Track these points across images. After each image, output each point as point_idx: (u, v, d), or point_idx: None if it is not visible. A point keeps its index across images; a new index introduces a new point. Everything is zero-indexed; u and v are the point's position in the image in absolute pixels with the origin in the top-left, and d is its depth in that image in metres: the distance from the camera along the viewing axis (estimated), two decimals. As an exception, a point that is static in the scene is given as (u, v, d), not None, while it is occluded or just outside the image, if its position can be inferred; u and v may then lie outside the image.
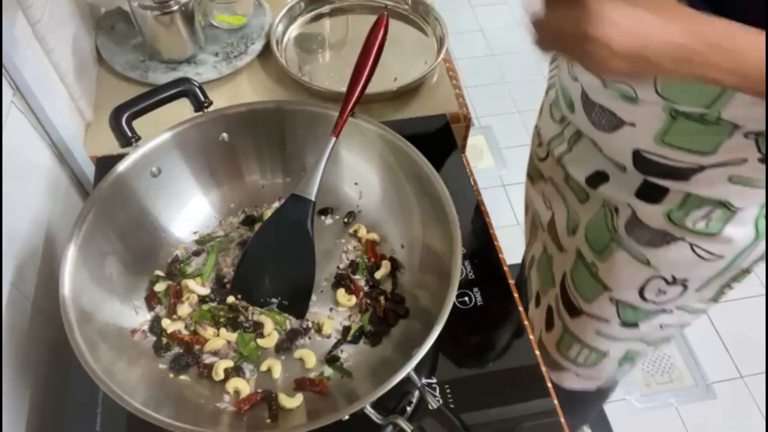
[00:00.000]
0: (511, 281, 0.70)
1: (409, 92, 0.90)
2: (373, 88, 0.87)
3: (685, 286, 0.70)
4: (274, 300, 0.63)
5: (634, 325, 0.77)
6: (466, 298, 0.67)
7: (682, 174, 0.60)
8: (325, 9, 1.02)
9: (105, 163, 0.74)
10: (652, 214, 0.65)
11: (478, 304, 0.67)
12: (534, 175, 0.86)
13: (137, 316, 0.62)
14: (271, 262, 0.63)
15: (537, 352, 0.65)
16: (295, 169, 0.72)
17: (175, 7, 0.84)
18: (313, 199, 0.62)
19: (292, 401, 0.57)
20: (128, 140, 0.62)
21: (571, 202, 0.76)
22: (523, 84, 2.29)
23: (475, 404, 0.60)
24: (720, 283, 0.70)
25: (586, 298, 0.78)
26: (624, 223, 0.68)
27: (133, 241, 0.64)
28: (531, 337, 0.66)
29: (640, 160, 0.62)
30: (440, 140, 0.82)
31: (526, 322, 0.67)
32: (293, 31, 0.99)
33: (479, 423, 0.58)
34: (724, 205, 0.61)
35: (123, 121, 0.62)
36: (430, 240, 0.63)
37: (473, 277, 0.69)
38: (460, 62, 2.33)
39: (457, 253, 0.56)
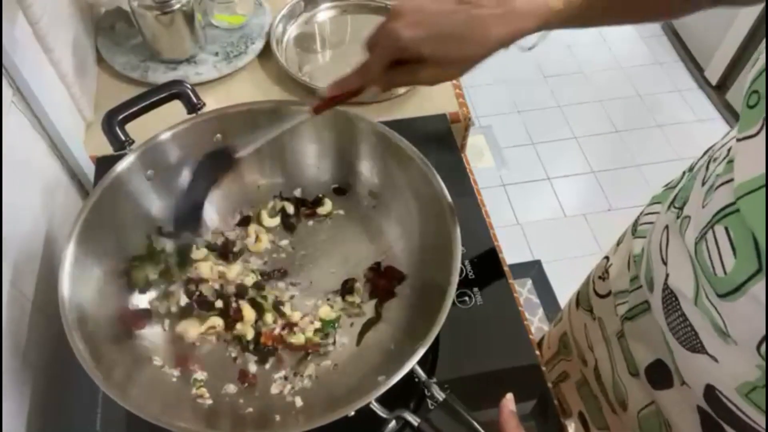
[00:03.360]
0: (511, 281, 0.70)
1: (409, 92, 0.90)
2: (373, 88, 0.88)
3: None
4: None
5: None
6: (466, 298, 0.67)
7: None
8: (325, 9, 1.02)
9: (105, 163, 0.74)
10: None
11: (478, 304, 0.67)
12: (583, 301, 0.74)
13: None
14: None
15: (537, 352, 0.65)
16: (294, 169, 0.72)
17: (175, 7, 0.84)
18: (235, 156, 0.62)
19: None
20: (121, 144, 0.62)
21: (619, 367, 0.65)
22: (523, 84, 2.30)
23: (475, 404, 0.60)
24: None
25: None
26: None
27: (132, 241, 0.64)
28: (531, 337, 0.66)
29: (713, 399, 0.49)
30: (440, 140, 0.82)
31: (525, 322, 0.67)
32: (293, 31, 0.99)
33: (479, 423, 0.58)
34: None
35: (116, 125, 0.62)
36: (429, 239, 0.63)
37: (473, 277, 0.69)
38: (460, 62, 2.32)
39: (456, 253, 0.56)
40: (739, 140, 0.42)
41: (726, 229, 0.43)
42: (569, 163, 2.07)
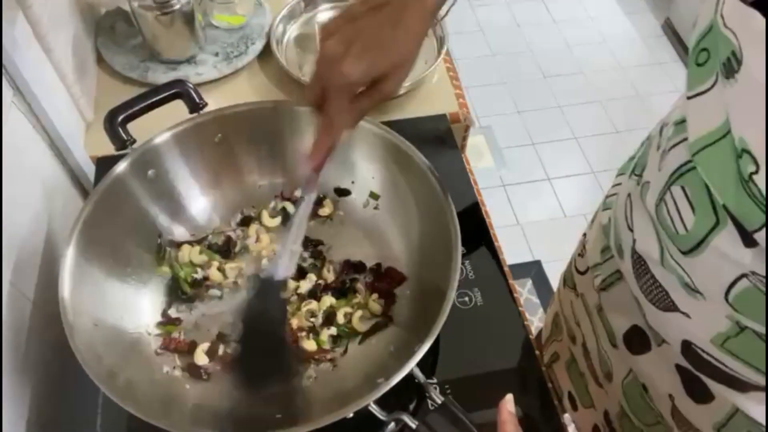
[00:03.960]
0: (511, 281, 0.70)
1: (409, 92, 0.90)
2: (373, 88, 0.88)
3: None
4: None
5: None
6: (466, 298, 0.67)
7: (739, 384, 0.49)
8: (325, 9, 1.02)
9: (105, 163, 0.74)
10: (696, 416, 0.55)
11: (478, 304, 0.67)
12: (567, 279, 0.77)
13: (137, 317, 0.62)
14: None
15: (537, 352, 0.65)
16: (295, 169, 0.72)
17: (175, 8, 0.84)
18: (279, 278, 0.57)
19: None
20: (123, 143, 0.62)
21: (602, 339, 0.67)
22: (523, 84, 2.30)
23: (475, 404, 0.60)
24: None
25: None
26: (668, 412, 0.58)
27: (132, 241, 0.64)
28: (531, 337, 0.66)
29: (690, 353, 0.51)
30: (440, 140, 0.82)
31: (525, 322, 0.67)
32: (293, 31, 0.99)
33: (479, 423, 0.58)
34: None
35: (117, 124, 0.62)
36: (429, 240, 0.63)
37: (473, 277, 0.69)
38: (460, 62, 2.33)
39: (457, 253, 0.56)
40: (689, 98, 0.44)
41: (682, 188, 0.45)
42: (569, 163, 2.07)
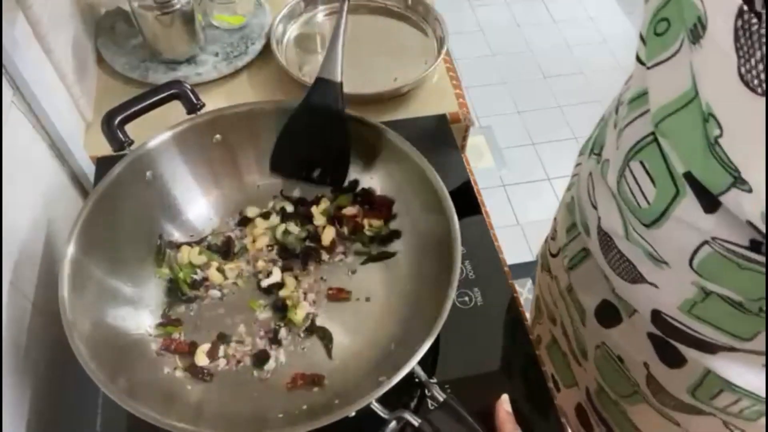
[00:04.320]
0: (511, 281, 0.70)
1: (409, 92, 0.90)
2: (373, 88, 0.88)
3: None
4: (314, 174, 0.69)
5: None
6: (466, 298, 0.67)
7: (709, 347, 0.51)
8: (325, 9, 1.02)
9: (105, 163, 0.74)
10: (670, 381, 0.56)
11: (478, 304, 0.67)
12: (543, 262, 0.79)
13: (137, 317, 0.62)
14: (307, 142, 0.67)
15: (538, 352, 0.65)
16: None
17: (176, 7, 0.84)
18: (338, 80, 0.64)
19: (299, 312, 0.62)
20: (121, 145, 0.62)
21: (575, 319, 0.68)
22: (523, 84, 2.30)
23: (475, 404, 0.60)
24: None
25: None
26: (644, 381, 0.60)
27: (132, 242, 0.64)
28: (531, 337, 0.66)
29: (660, 321, 0.53)
30: (440, 140, 0.82)
31: (525, 322, 0.67)
32: (293, 31, 0.99)
33: (479, 423, 0.58)
34: (757, 398, 0.51)
35: (115, 125, 0.62)
36: (429, 240, 0.63)
37: (473, 277, 0.69)
38: (460, 62, 2.33)
39: (456, 253, 0.56)
40: (650, 68, 0.45)
41: (641, 162, 0.46)
42: (569, 163, 2.06)
